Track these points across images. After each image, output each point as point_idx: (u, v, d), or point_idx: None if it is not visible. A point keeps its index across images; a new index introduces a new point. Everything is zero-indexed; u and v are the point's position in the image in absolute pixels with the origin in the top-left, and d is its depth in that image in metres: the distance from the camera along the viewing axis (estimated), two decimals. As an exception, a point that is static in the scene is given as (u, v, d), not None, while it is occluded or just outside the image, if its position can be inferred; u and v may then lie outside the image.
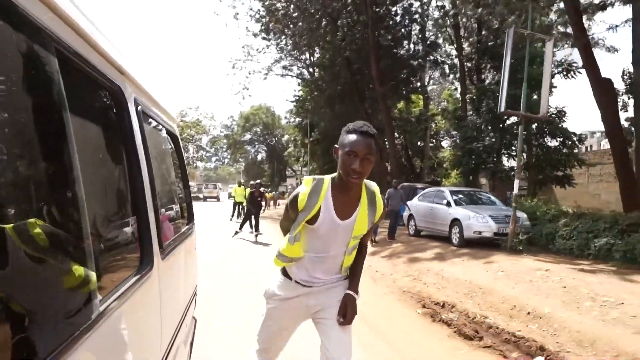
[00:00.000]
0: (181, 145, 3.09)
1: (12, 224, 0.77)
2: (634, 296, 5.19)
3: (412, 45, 25.69)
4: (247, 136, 65.25)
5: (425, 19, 24.85)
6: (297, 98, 33.75)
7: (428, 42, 25.18)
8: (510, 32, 8.85)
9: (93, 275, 1.03)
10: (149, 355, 1.60)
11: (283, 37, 28.43)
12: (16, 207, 0.81)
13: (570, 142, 20.42)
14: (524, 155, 20.43)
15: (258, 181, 14.50)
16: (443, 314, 5.34)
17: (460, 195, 10.71)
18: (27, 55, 0.86)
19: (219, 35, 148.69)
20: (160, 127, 2.39)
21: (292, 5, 24.97)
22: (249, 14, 28.52)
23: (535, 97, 15.49)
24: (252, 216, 12.72)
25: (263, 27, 28.52)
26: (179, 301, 2.34)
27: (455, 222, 9.66)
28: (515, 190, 8.93)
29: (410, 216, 12.05)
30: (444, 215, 10.19)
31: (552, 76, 19.66)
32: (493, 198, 11.22)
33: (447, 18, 23.37)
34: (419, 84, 28.46)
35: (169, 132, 2.65)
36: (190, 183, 25.30)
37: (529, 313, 5.16)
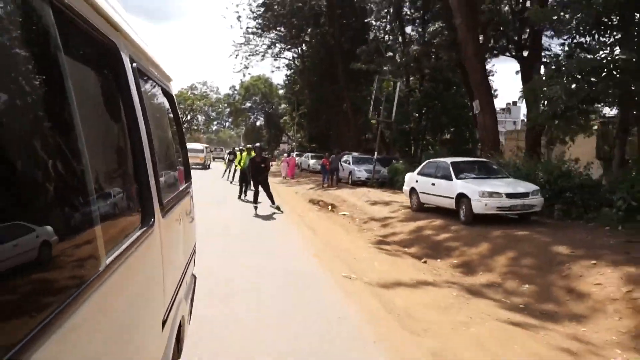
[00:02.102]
0: (177, 103, 3.13)
1: None
2: (376, 195, 15.23)
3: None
4: (248, 104, 74.33)
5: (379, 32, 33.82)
6: (287, 81, 43.33)
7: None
8: (376, 80, 18.46)
9: (99, 231, 1.12)
10: (154, 309, 1.70)
11: (274, 35, 37.70)
12: (20, 163, 0.83)
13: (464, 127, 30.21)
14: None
15: (258, 144, 12.88)
16: (319, 203, 15.26)
17: (355, 158, 20.66)
18: (24, 11, 0.88)
19: (225, 20, 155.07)
20: (156, 85, 2.40)
21: (280, 17, 34.08)
22: (249, 16, 37.47)
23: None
24: (257, 185, 11.39)
25: (259, 27, 37.65)
26: (179, 258, 2.43)
27: (350, 172, 19.66)
28: (375, 157, 18.84)
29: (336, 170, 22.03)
30: (348, 169, 20.16)
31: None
32: (372, 160, 20.88)
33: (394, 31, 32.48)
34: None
35: (164, 91, 2.68)
36: (197, 145, 33.39)
37: (345, 201, 15.10)
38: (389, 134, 43.80)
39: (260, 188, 11.34)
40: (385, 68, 22.23)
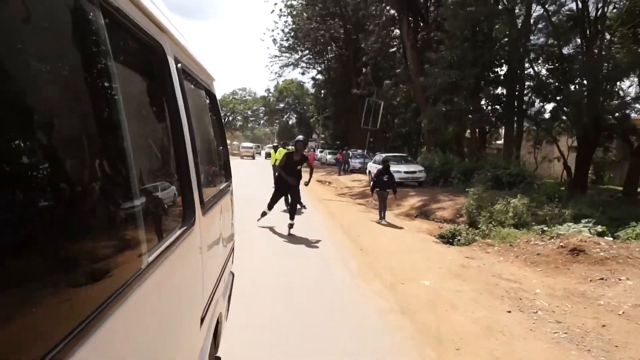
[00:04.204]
0: (218, 103, 3.30)
1: None
2: (358, 177, 25.05)
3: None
4: (281, 105, 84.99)
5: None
6: (314, 88, 53.61)
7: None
8: (366, 101, 28.17)
9: (142, 229, 1.18)
10: (192, 306, 1.80)
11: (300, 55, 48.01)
12: (69, 161, 0.89)
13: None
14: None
15: (301, 137, 9.26)
16: (325, 184, 25.17)
17: (354, 154, 30.43)
18: (75, 14, 0.94)
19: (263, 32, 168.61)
20: (199, 84, 2.54)
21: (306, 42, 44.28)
22: (282, 38, 47.92)
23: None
24: (288, 192, 9.07)
25: (290, 46, 47.96)
26: (218, 255, 2.56)
27: (349, 163, 29.55)
28: (365, 152, 28.57)
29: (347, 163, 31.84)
30: (351, 161, 30.07)
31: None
32: (364, 155, 30.51)
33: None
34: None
35: (207, 90, 2.82)
36: (235, 142, 47.94)
37: (338, 180, 24.88)
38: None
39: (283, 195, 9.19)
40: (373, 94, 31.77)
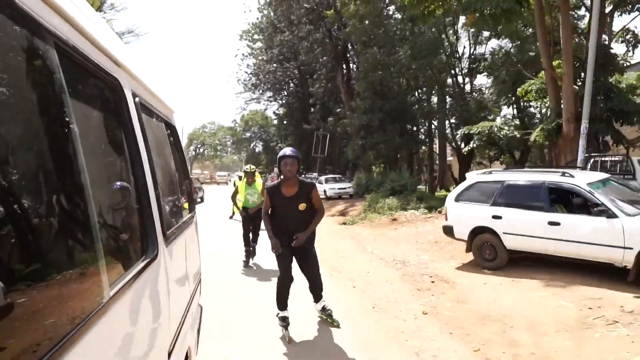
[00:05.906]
0: (179, 135, 3.43)
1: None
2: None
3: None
4: (248, 134, 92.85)
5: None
6: (276, 119, 62.11)
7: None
8: (315, 135, 36.47)
9: (102, 262, 1.21)
10: (159, 340, 1.82)
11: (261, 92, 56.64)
12: (25, 198, 0.91)
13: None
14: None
15: (291, 150, 5.39)
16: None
17: (329, 177, 38.74)
18: (28, 50, 0.98)
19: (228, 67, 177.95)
20: (158, 117, 2.61)
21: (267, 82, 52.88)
22: (245, 80, 56.37)
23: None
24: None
25: (253, 84, 56.48)
26: (184, 287, 2.60)
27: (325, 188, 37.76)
28: (317, 175, 36.87)
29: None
30: (322, 188, 38.12)
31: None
32: (316, 177, 38.76)
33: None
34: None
35: (167, 123, 2.92)
36: (205, 172, 59.65)
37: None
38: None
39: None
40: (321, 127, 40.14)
